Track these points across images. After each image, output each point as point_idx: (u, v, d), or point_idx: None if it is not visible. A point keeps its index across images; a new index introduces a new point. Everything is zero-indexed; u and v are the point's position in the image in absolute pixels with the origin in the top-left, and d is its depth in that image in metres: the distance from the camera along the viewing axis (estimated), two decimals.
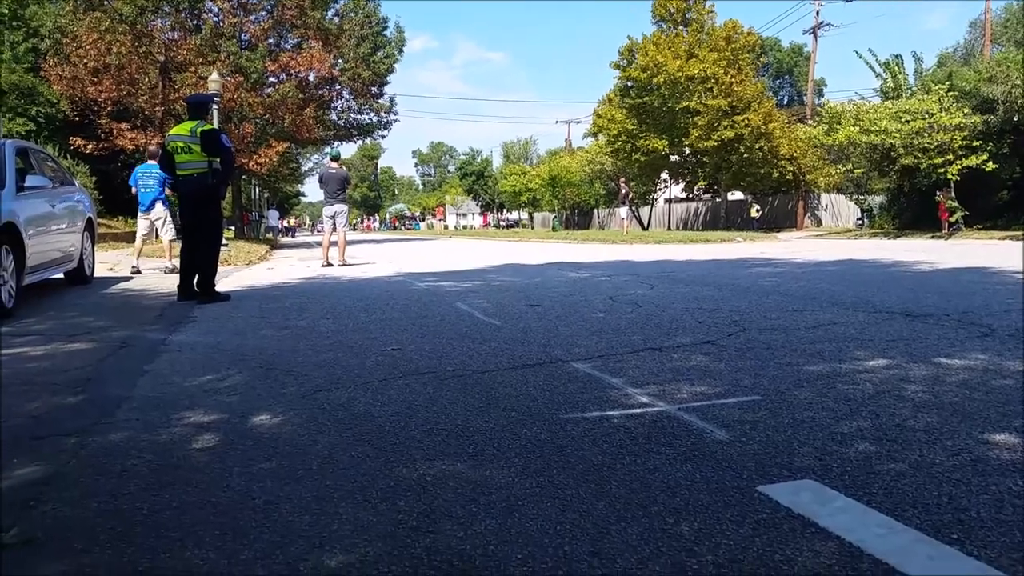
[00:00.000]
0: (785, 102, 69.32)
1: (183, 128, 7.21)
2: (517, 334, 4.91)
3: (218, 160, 7.15)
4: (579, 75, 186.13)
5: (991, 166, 25.76)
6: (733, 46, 36.30)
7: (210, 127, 7.21)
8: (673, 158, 41.98)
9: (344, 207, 13.15)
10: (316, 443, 2.71)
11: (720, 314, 5.33)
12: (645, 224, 51.78)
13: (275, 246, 29.34)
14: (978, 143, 25.99)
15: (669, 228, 49.22)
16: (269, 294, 8.23)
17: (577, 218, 66.07)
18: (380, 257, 17.36)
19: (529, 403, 3.12)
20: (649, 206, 53.69)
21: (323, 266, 12.67)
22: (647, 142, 38.72)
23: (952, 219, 26.98)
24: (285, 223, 67.32)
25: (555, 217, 45.31)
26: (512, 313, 5.92)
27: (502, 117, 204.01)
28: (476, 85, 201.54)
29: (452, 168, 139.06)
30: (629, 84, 39.69)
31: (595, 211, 63.63)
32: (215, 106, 12.18)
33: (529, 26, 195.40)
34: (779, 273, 8.64)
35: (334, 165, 13.36)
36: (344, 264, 12.74)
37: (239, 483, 2.32)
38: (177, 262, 12.28)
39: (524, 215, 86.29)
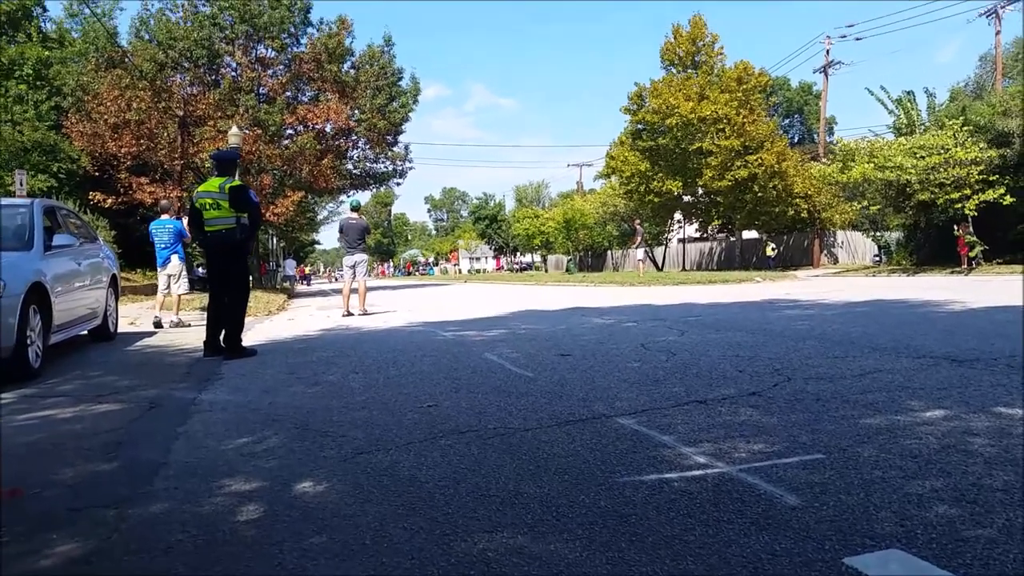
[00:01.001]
0: (796, 140, 69.58)
1: (211, 185, 7.25)
2: (553, 386, 4.81)
3: (246, 216, 7.17)
4: (589, 119, 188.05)
5: (1008, 200, 25.62)
6: (745, 87, 36.57)
7: (238, 183, 7.25)
8: (686, 198, 42.05)
9: (364, 256, 13.23)
10: (365, 513, 2.61)
11: (759, 362, 5.21)
12: (659, 265, 51.71)
13: (292, 295, 29.47)
14: (995, 177, 25.90)
15: (684, 268, 49.13)
16: (294, 347, 8.17)
17: (591, 260, 66.12)
18: (399, 304, 17.31)
19: (581, 465, 3.01)
20: (663, 247, 53.70)
21: (344, 316, 12.66)
22: (660, 183, 38.84)
23: (972, 254, 26.74)
24: (301, 271, 67.76)
25: (569, 260, 45.33)
26: (544, 364, 5.82)
27: (514, 163, 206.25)
28: (488, 131, 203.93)
29: (465, 213, 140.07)
30: (641, 127, 40.00)
31: (608, 252, 63.70)
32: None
33: (539, 73, 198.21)
34: (809, 316, 8.50)
35: (354, 215, 13.45)
36: (365, 313, 12.73)
37: (292, 561, 2.22)
38: (184, 316, 12.40)
39: (537, 257, 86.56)
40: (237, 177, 7.59)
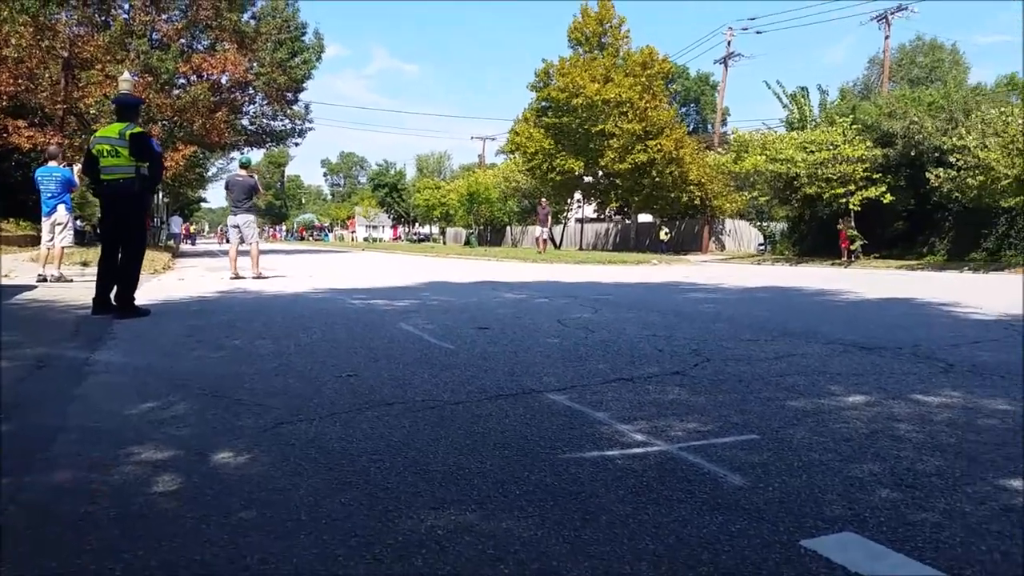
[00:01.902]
0: (692, 129, 71.68)
1: (111, 130, 6.69)
2: (476, 360, 4.72)
3: (146, 165, 6.66)
4: (493, 92, 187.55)
5: (889, 198, 27.25)
6: (649, 72, 37.24)
7: (140, 130, 6.71)
8: (587, 178, 42.61)
9: (250, 217, 12.66)
10: (296, 487, 2.44)
11: (676, 342, 5.29)
12: (557, 243, 52.30)
13: (177, 254, 28.06)
14: (878, 175, 27.46)
15: (581, 247, 49.89)
16: (190, 309, 7.74)
17: (490, 234, 66.22)
18: (296, 270, 16.80)
19: (519, 441, 2.93)
20: (562, 225, 54.32)
21: (232, 278, 12.13)
22: (563, 162, 39.19)
23: (852, 247, 28.34)
24: (187, 229, 64.70)
25: (470, 233, 45.19)
26: (463, 336, 5.72)
27: (415, 131, 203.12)
28: (389, 96, 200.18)
29: (363, 179, 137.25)
30: (547, 104, 40.15)
31: (508, 228, 63.98)
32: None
33: (444, 39, 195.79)
34: (714, 299, 8.74)
35: (242, 172, 12.92)
36: (259, 276, 12.23)
37: (221, 537, 2.04)
38: (66, 270, 11.57)
39: (435, 229, 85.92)
40: (139, 124, 7.02)
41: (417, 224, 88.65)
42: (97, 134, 6.95)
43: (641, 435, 2.99)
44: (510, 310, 7.64)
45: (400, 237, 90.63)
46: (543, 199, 35.35)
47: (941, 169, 24.10)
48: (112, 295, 6.74)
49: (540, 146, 40.17)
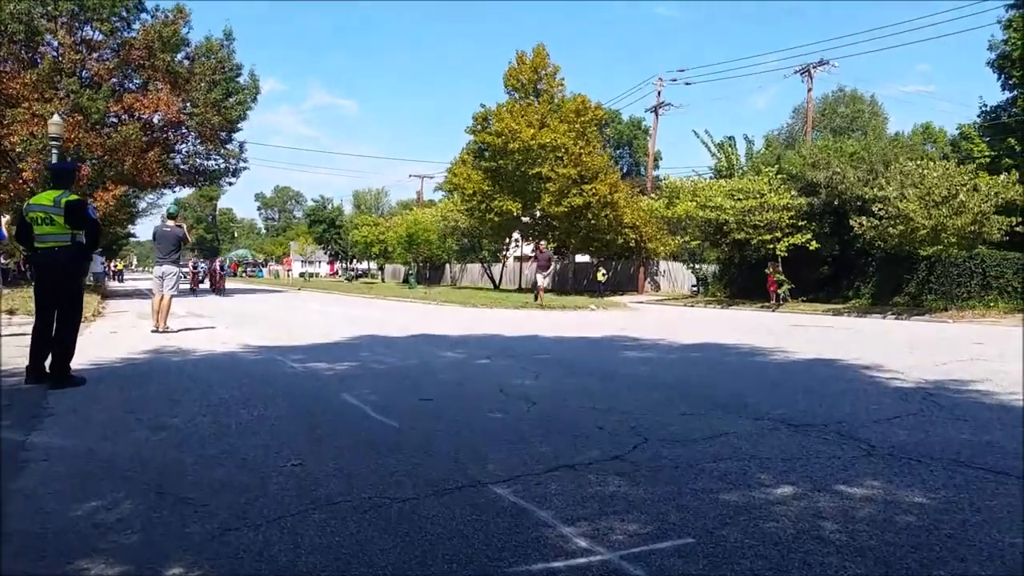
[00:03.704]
0: (625, 171, 73.40)
1: (45, 197, 6.58)
2: (421, 441, 4.78)
3: (82, 233, 6.57)
4: (432, 131, 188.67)
5: (814, 244, 28.34)
6: (583, 119, 38.17)
7: (76, 197, 6.61)
8: (525, 219, 43.18)
9: (175, 269, 12.59)
10: None
11: (615, 416, 5.45)
12: (496, 282, 52.60)
13: (105, 294, 27.28)
14: (803, 223, 28.58)
15: (520, 287, 50.24)
16: (125, 375, 7.58)
17: (429, 272, 66.20)
18: (227, 319, 16.52)
19: (468, 551, 3.01)
20: (501, 264, 54.69)
21: (152, 331, 12.04)
22: (501, 203, 39.65)
23: (780, 291, 29.31)
24: (113, 266, 62.90)
25: (411, 273, 45.09)
26: (406, 410, 5.77)
27: (352, 170, 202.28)
28: (326, 131, 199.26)
29: (298, 213, 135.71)
30: (484, 147, 40.69)
31: (447, 265, 64.09)
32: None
33: (380, 78, 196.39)
34: (650, 360, 8.99)
35: (170, 223, 12.89)
36: (166, 330, 12.14)
37: None
38: None
39: (374, 265, 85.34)
40: (74, 191, 6.92)
41: (355, 260, 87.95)
42: (31, 201, 6.81)
43: (584, 540, 3.11)
44: (452, 374, 7.71)
45: (337, 273, 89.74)
46: (542, 242, 30.93)
47: (864, 218, 25.25)
48: (47, 364, 6.57)
49: (478, 187, 40.59)
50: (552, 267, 30.98)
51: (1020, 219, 24.01)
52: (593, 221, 37.78)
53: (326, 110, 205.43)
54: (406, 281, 55.74)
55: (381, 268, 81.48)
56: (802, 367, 8.41)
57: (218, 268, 35.06)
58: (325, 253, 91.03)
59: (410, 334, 12.44)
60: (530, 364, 8.29)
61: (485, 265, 54.42)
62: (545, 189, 37.82)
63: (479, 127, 40.58)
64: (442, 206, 54.57)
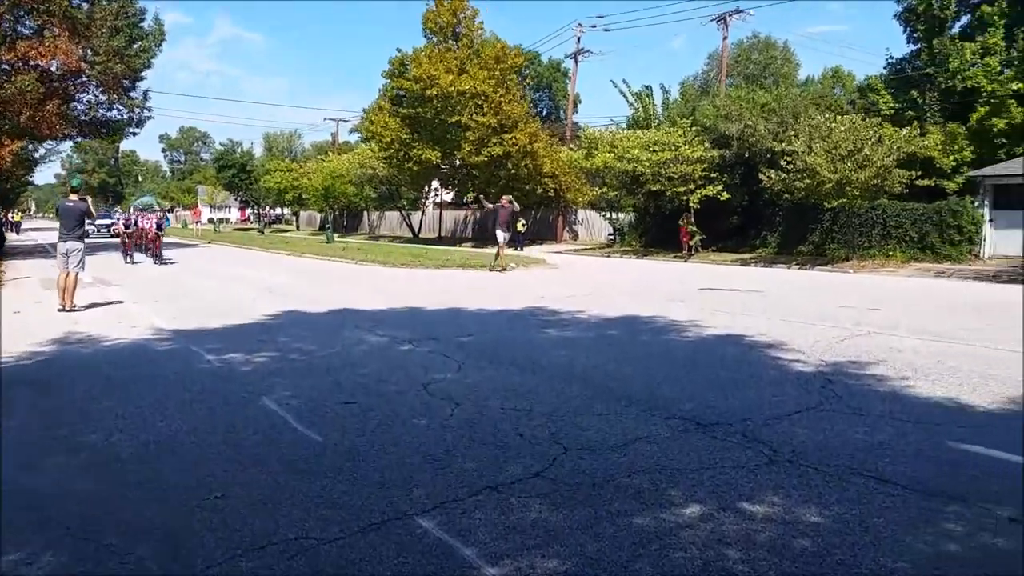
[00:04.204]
0: (544, 114, 73.14)
1: None
2: (343, 459, 4.85)
3: None
4: (348, 69, 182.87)
5: (725, 196, 29.13)
6: (502, 66, 37.70)
7: None
8: (444, 168, 42.81)
9: (79, 245, 12.18)
10: None
11: (535, 421, 5.62)
12: (416, 231, 52.19)
13: (4, 252, 26.00)
14: (715, 174, 29.28)
15: (440, 236, 50.06)
16: (35, 377, 7.37)
17: (346, 220, 65.03)
18: (136, 290, 15.98)
19: None
20: (420, 212, 54.20)
21: (59, 310, 11.72)
22: (420, 152, 39.12)
23: (692, 242, 30.15)
24: (11, 217, 59.50)
25: (328, 228, 44.12)
26: (329, 417, 5.81)
27: (263, 113, 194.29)
28: (233, 67, 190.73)
29: (206, 155, 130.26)
30: (402, 94, 39.83)
31: (365, 213, 63.06)
32: None
33: (289, 11, 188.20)
34: (569, 341, 9.19)
35: (73, 198, 12.53)
36: (73, 309, 11.82)
37: None
38: None
39: (287, 210, 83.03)
40: None
41: (268, 208, 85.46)
42: None
43: None
44: (374, 365, 7.75)
45: (249, 219, 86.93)
46: (505, 196, 25.00)
47: (772, 171, 26.04)
48: None
49: (396, 135, 39.88)
50: (517, 225, 27.60)
51: (919, 172, 25.25)
52: (513, 171, 37.75)
53: (232, 44, 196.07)
54: (323, 229, 54.60)
55: (296, 215, 79.41)
56: (712, 346, 8.78)
57: (154, 227, 25.51)
58: (236, 199, 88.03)
59: (330, 309, 12.32)
60: (452, 351, 8.38)
61: (404, 213, 53.84)
62: (465, 138, 37.46)
63: (396, 72, 39.64)
64: (359, 152, 53.35)
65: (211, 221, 73.57)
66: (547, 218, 43.26)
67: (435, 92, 36.58)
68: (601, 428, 5.45)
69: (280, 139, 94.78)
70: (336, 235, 45.52)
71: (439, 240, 46.46)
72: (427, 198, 53.04)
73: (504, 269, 21.11)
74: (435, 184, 49.74)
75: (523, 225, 38.53)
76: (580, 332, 9.84)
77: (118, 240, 28.39)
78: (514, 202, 23.44)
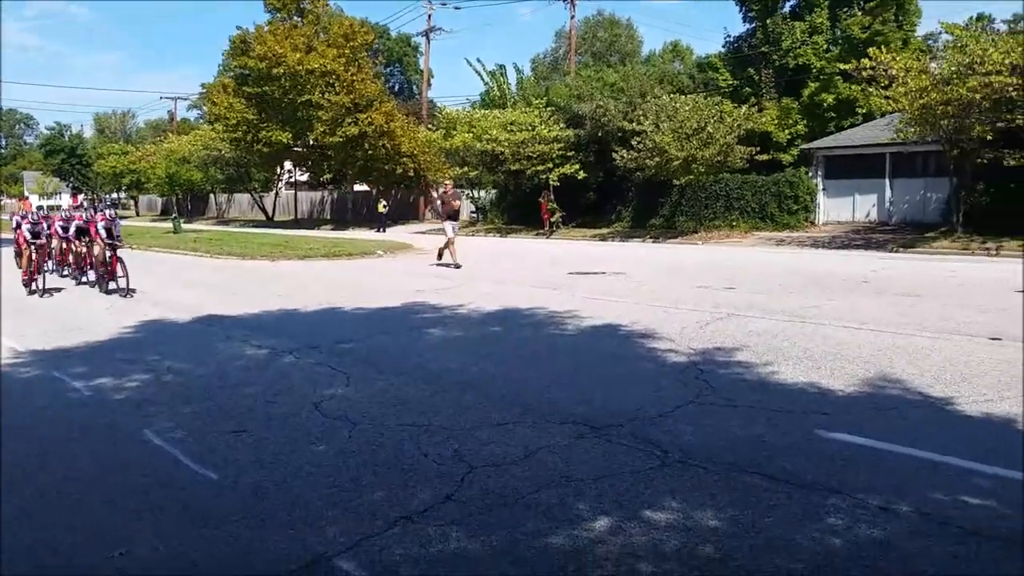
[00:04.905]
0: (397, 90, 72.04)
1: None
2: (246, 499, 4.73)
3: None
4: (184, 42, 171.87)
5: (582, 174, 30.04)
6: (352, 44, 36.85)
7: None
8: (298, 149, 41.52)
9: None
10: None
11: (436, 437, 5.70)
12: (270, 214, 50.36)
13: None
14: (571, 153, 30.11)
15: (296, 218, 48.57)
16: None
17: (191, 204, 61.67)
18: None
19: None
20: (274, 194, 52.30)
21: None
22: (269, 133, 37.72)
23: (552, 219, 30.92)
24: None
25: (176, 217, 41.54)
26: (220, 449, 5.63)
27: (92, 99, 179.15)
28: (55, 42, 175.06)
29: (31, 139, 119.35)
30: (246, 73, 38.11)
31: (212, 195, 60.01)
32: None
33: None
34: (454, 343, 9.27)
35: None
36: None
37: None
38: None
39: (123, 195, 77.58)
40: None
41: (104, 194, 79.51)
42: None
43: None
44: (258, 384, 7.51)
45: (82, 204, 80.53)
46: (447, 181, 23.29)
47: (624, 150, 27.07)
48: None
49: (243, 116, 38.20)
50: (460, 213, 23.13)
51: (758, 147, 27.05)
52: (370, 151, 37.11)
53: (52, 18, 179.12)
54: (166, 214, 51.52)
55: (135, 199, 74.41)
56: (591, 339, 9.16)
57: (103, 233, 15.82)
58: (68, 186, 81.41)
59: (195, 316, 11.75)
60: (337, 361, 8.25)
61: (256, 196, 51.69)
62: (317, 118, 36.41)
63: (239, 51, 37.80)
64: (203, 133, 50.53)
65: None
66: (408, 198, 42.95)
67: (282, 71, 35.27)
68: (502, 440, 5.61)
69: (113, 120, 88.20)
70: (182, 221, 43.06)
71: (296, 223, 45.00)
72: (280, 179, 51.15)
73: (458, 266, 17.91)
74: (288, 165, 48.06)
75: (384, 206, 38.14)
76: (464, 331, 9.96)
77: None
78: (454, 189, 21.47)
